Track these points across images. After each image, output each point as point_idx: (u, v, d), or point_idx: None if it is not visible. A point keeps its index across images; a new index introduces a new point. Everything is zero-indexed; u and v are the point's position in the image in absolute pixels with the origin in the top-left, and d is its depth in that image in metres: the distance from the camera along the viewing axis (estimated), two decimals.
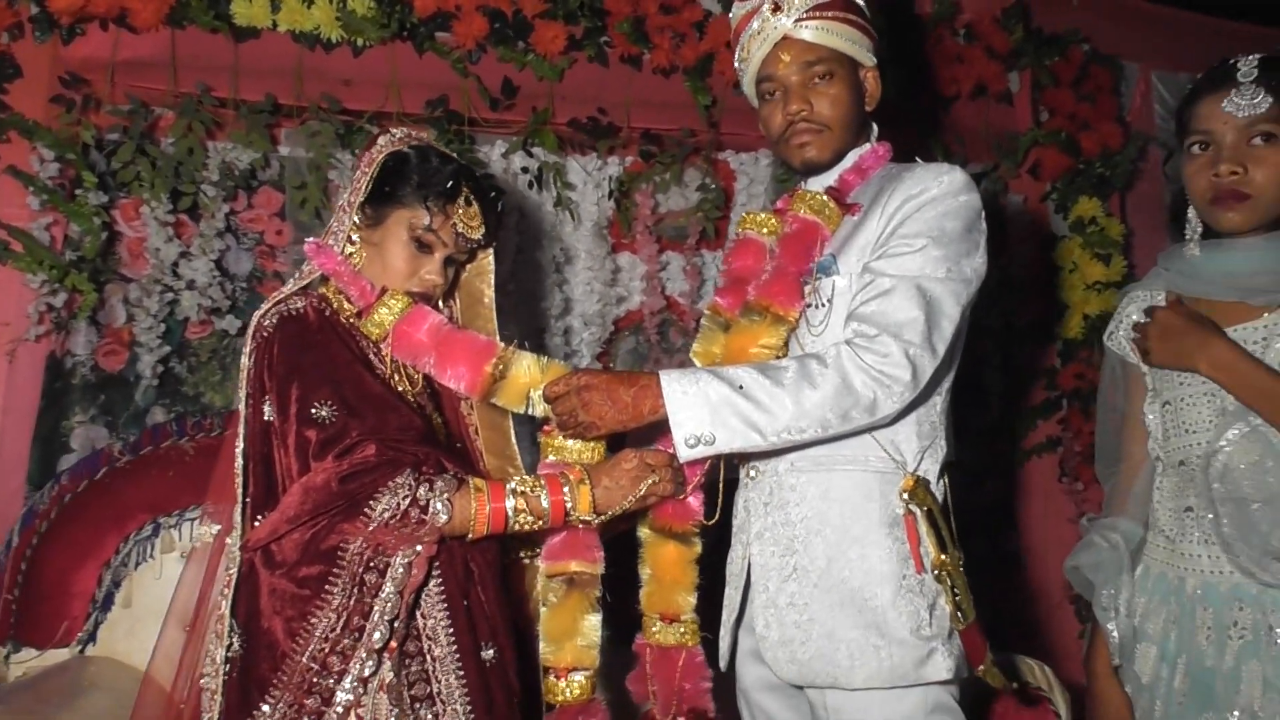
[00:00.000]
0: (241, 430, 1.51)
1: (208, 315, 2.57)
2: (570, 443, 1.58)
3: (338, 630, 1.41)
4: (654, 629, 1.67)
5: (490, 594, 1.56)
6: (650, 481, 1.54)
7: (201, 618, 1.56)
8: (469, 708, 1.49)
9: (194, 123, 2.44)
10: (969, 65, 3.08)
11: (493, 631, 1.55)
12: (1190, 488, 1.67)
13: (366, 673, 1.41)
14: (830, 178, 1.72)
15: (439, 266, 1.63)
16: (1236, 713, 1.58)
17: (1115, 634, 1.74)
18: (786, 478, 1.62)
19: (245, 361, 1.54)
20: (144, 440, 2.35)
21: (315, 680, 1.41)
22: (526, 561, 1.75)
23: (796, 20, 1.65)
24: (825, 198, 1.66)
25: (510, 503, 1.49)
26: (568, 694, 1.58)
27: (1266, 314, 1.64)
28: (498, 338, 1.71)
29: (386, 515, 1.41)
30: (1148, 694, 1.71)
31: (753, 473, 1.67)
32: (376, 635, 1.41)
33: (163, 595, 2.09)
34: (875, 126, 1.78)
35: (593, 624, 1.59)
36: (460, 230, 1.62)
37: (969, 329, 1.65)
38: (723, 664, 1.75)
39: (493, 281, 1.78)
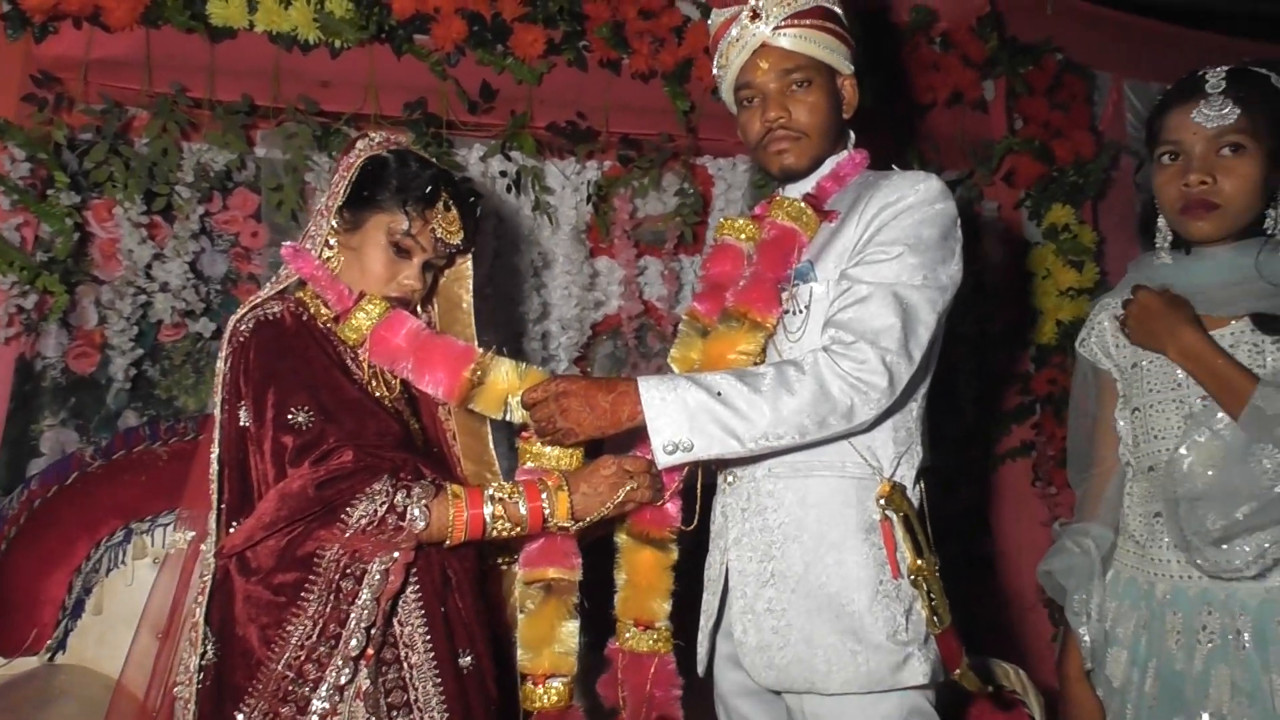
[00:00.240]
0: (217, 436, 1.50)
1: (181, 318, 2.55)
2: (548, 449, 1.59)
3: (314, 638, 1.40)
4: (628, 635, 1.67)
5: (468, 601, 1.56)
6: (628, 488, 1.54)
7: (175, 625, 1.54)
8: (446, 715, 1.48)
9: (169, 123, 2.41)
10: (945, 73, 3.10)
11: (470, 639, 1.55)
12: (1159, 493, 1.70)
13: (343, 680, 1.40)
14: (808, 185, 1.73)
15: (417, 271, 1.63)
16: (1206, 716, 1.60)
17: (1087, 638, 1.76)
18: (764, 483, 1.63)
19: (221, 366, 1.52)
20: (116, 444, 2.32)
21: (291, 688, 1.39)
22: (504, 568, 1.75)
23: (775, 28, 1.66)
24: (803, 205, 1.67)
25: (488, 509, 1.48)
26: (545, 701, 1.58)
27: (1233, 321, 1.66)
28: (476, 343, 1.70)
29: (364, 522, 1.40)
30: (1119, 698, 1.73)
31: (730, 478, 1.68)
32: (353, 643, 1.40)
33: (134, 602, 2.06)
34: (852, 134, 1.79)
35: (570, 630, 1.59)
36: (439, 235, 1.62)
37: (943, 335, 1.66)
38: (700, 669, 1.75)
39: (471, 287, 1.77)
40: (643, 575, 1.66)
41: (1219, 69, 1.66)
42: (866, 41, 1.76)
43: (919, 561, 1.55)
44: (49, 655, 2.19)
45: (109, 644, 2.15)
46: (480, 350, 1.60)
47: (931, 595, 1.55)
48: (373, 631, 1.43)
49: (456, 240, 1.64)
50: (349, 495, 1.41)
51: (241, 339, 1.51)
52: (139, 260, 2.46)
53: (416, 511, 1.43)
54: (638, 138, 2.85)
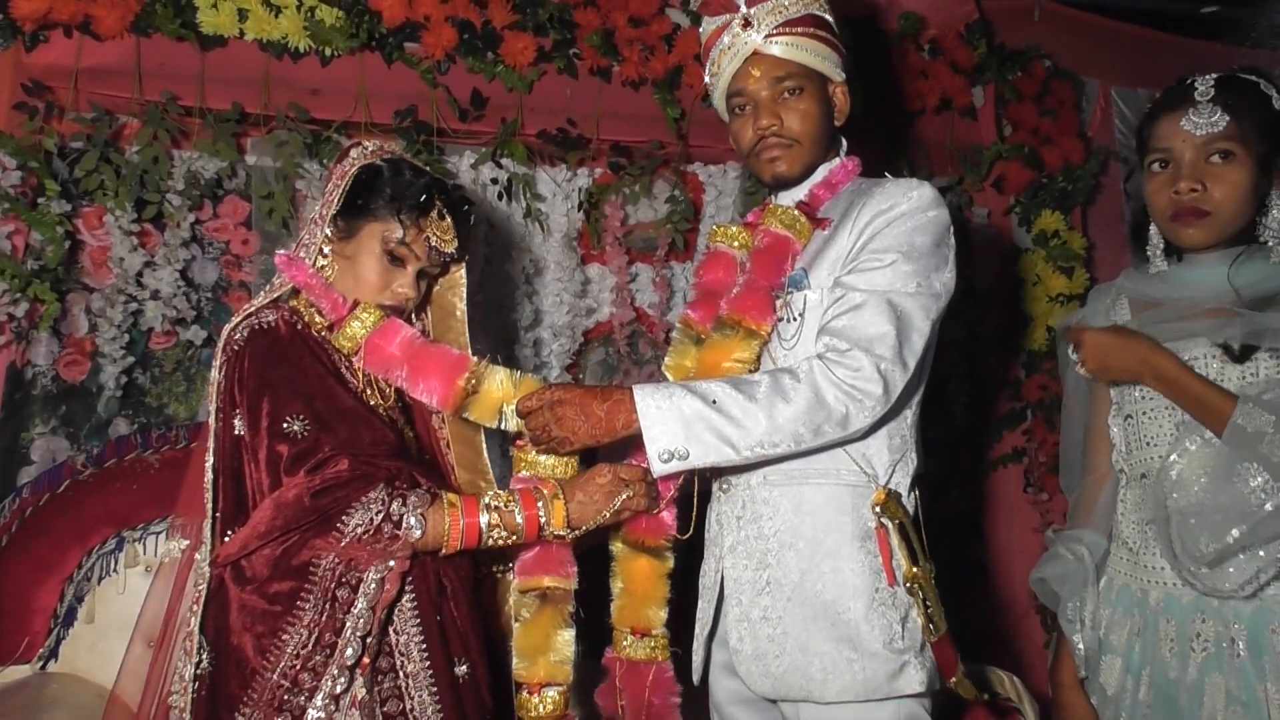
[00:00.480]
0: (211, 444, 1.50)
1: (172, 326, 2.54)
2: (543, 457, 1.59)
3: (309, 647, 1.40)
4: (625, 643, 1.67)
5: (463, 609, 1.56)
6: (624, 496, 1.55)
7: (169, 634, 1.54)
8: None
9: (159, 131, 2.41)
10: (934, 80, 3.12)
11: (466, 647, 1.54)
12: (1152, 500, 1.70)
13: (338, 689, 1.40)
14: (800, 192, 1.74)
15: (411, 280, 1.63)
16: None
17: (1081, 646, 1.77)
18: (759, 491, 1.63)
19: (215, 375, 1.52)
20: (107, 452, 2.31)
21: (286, 697, 1.39)
22: (499, 576, 1.75)
23: (766, 36, 1.67)
24: (796, 212, 1.68)
25: (484, 518, 1.48)
26: (541, 710, 1.58)
27: (1223, 332, 1.66)
28: (470, 351, 1.71)
29: (359, 530, 1.40)
30: (1113, 706, 1.73)
31: (725, 486, 1.68)
32: (349, 651, 1.40)
33: (126, 610, 2.07)
34: (844, 141, 1.80)
35: (566, 639, 1.59)
36: (433, 244, 1.62)
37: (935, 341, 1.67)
38: (695, 678, 1.76)
39: (465, 295, 1.77)
40: (639, 583, 1.66)
41: (1208, 76, 1.67)
42: (855, 49, 1.77)
43: (914, 569, 1.56)
44: (41, 664, 2.18)
45: (101, 652, 2.15)
46: (474, 359, 1.60)
47: (927, 602, 1.55)
48: (368, 640, 1.42)
49: (450, 248, 1.64)
50: (345, 504, 1.41)
51: (236, 347, 1.51)
52: (130, 268, 2.45)
53: (413, 520, 1.43)
54: (628, 145, 2.86)
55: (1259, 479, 1.53)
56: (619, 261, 2.89)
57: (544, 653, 1.58)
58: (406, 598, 1.49)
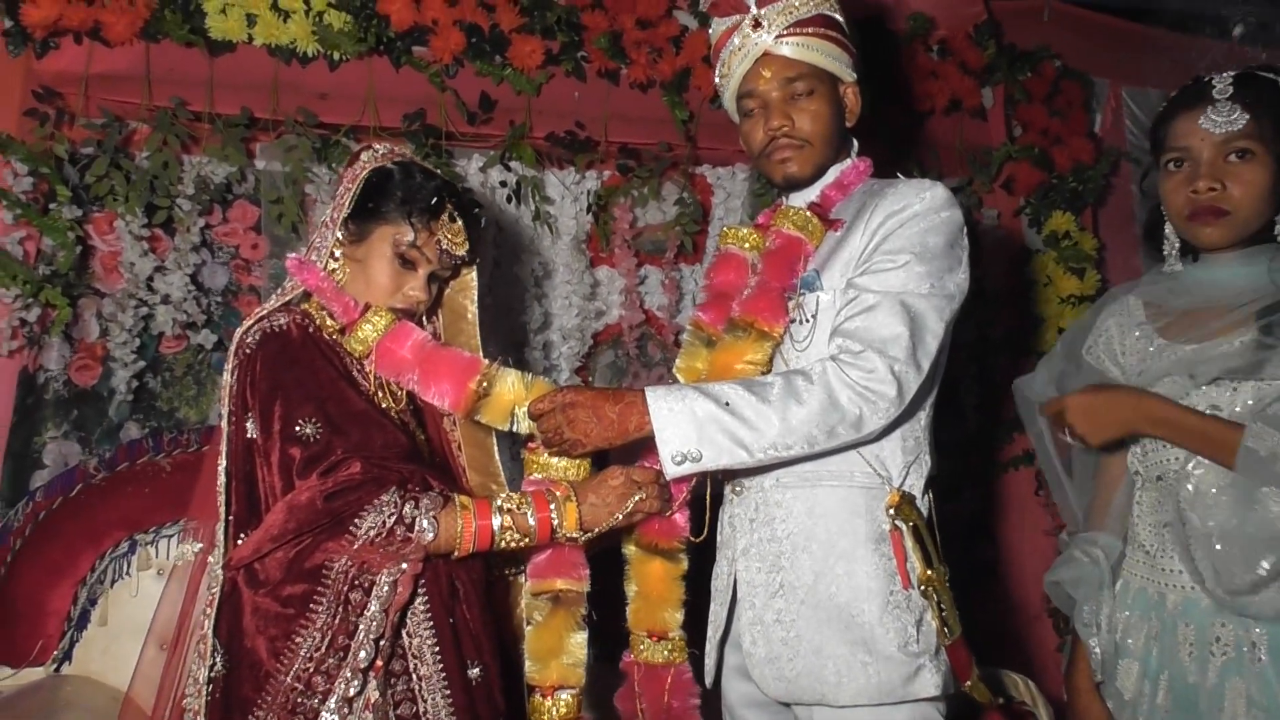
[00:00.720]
0: (224, 448, 1.50)
1: (183, 330, 2.55)
2: (555, 460, 1.58)
3: (322, 649, 1.40)
4: (641, 647, 1.66)
5: (476, 612, 1.56)
6: (637, 498, 1.54)
7: (183, 637, 1.54)
8: None
9: (169, 136, 2.42)
10: (943, 81, 3.11)
11: (478, 650, 1.54)
12: (1169, 502, 1.68)
13: (352, 692, 1.40)
14: (812, 193, 1.73)
15: (423, 283, 1.63)
16: None
17: (1097, 650, 1.74)
18: (772, 493, 1.62)
19: (228, 378, 1.52)
20: (119, 456, 2.32)
21: (300, 700, 1.39)
22: (511, 579, 1.75)
23: (777, 36, 1.66)
24: (809, 213, 1.67)
25: (497, 520, 1.48)
26: (554, 713, 1.58)
27: (1242, 333, 1.64)
28: (481, 354, 1.71)
29: (372, 533, 1.40)
30: (1130, 710, 1.70)
31: (738, 488, 1.68)
32: (362, 654, 1.40)
33: (139, 613, 2.08)
34: (855, 142, 1.79)
35: (578, 642, 1.59)
36: (444, 246, 1.62)
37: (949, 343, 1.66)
38: (708, 681, 1.75)
39: (476, 297, 1.77)
40: (653, 586, 1.66)
41: (1225, 74, 1.65)
42: (864, 50, 1.77)
43: (929, 572, 1.55)
44: (55, 666, 2.20)
45: (114, 655, 2.17)
46: (486, 361, 1.60)
47: (942, 606, 1.54)
48: (381, 643, 1.42)
49: (462, 251, 1.64)
50: (357, 507, 1.41)
51: (248, 351, 1.51)
52: (140, 273, 2.46)
53: (425, 523, 1.42)
54: (637, 147, 2.86)
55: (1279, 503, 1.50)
56: (628, 264, 2.89)
57: (556, 655, 1.58)
58: (419, 600, 1.49)
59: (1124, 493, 1.79)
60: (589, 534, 1.53)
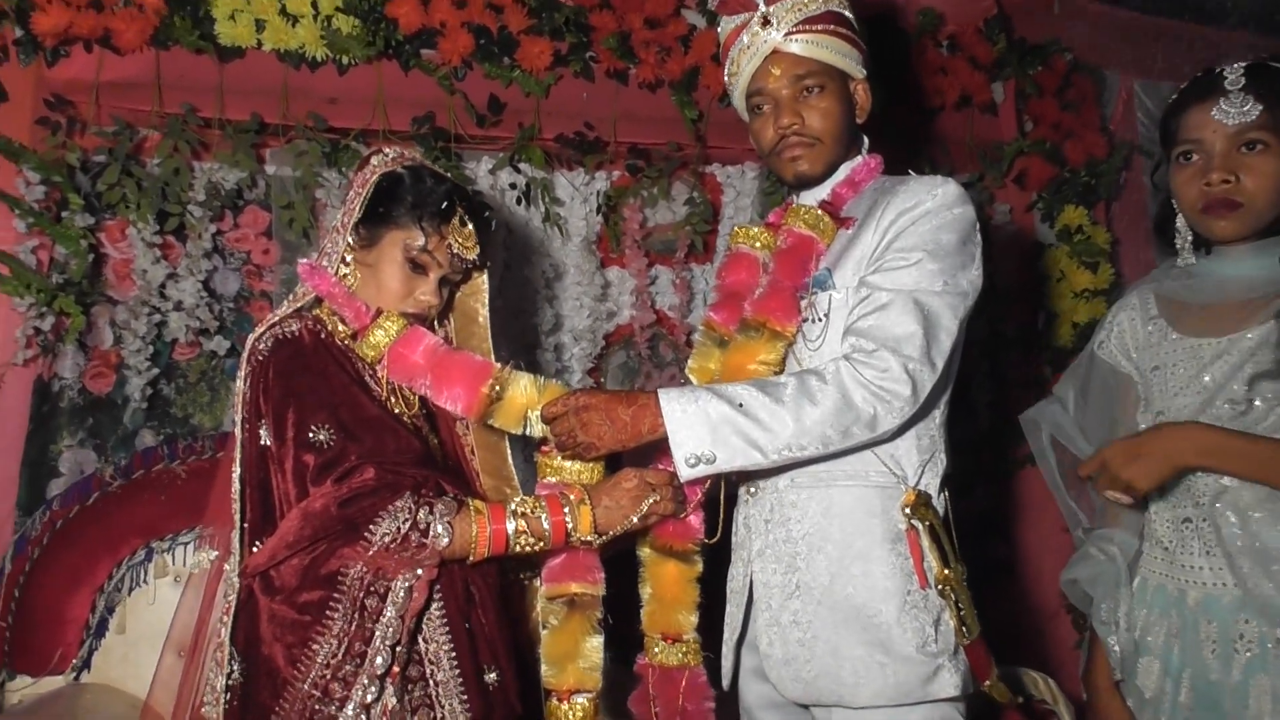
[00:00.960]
0: (238, 455, 1.50)
1: (196, 336, 2.55)
2: (568, 463, 1.58)
3: (339, 656, 1.40)
4: (656, 649, 1.66)
5: (491, 616, 1.56)
6: (651, 501, 1.54)
7: (200, 644, 1.55)
8: None
9: (180, 143, 2.43)
10: (953, 76, 3.10)
11: (494, 654, 1.54)
12: (1188, 498, 1.67)
13: (369, 699, 1.40)
14: (823, 191, 1.72)
15: (434, 287, 1.62)
16: None
17: (1116, 648, 1.73)
18: (787, 494, 1.62)
19: (240, 385, 1.52)
20: (135, 464, 2.33)
21: (317, 707, 1.39)
22: (526, 583, 1.75)
23: (786, 34, 1.65)
24: (820, 212, 1.66)
25: (511, 525, 1.48)
26: (571, 717, 1.57)
27: (1257, 327, 1.63)
28: (493, 357, 1.70)
29: (387, 539, 1.40)
30: (1151, 709, 1.69)
31: (753, 489, 1.67)
32: (378, 660, 1.40)
33: (156, 620, 2.09)
34: (866, 139, 1.78)
35: (594, 646, 1.58)
36: (455, 251, 1.62)
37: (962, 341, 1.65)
38: (725, 683, 1.74)
39: (487, 301, 1.77)
40: (668, 589, 1.65)
41: (1237, 65, 1.63)
42: (873, 46, 1.76)
43: (946, 571, 1.54)
44: (74, 674, 2.21)
45: (133, 663, 2.17)
46: (498, 365, 1.60)
47: (960, 605, 1.53)
48: (398, 649, 1.42)
49: (472, 255, 1.64)
50: (372, 513, 1.41)
51: (260, 358, 1.51)
52: (153, 280, 2.47)
53: (440, 528, 1.42)
54: (646, 147, 2.85)
55: None
56: (638, 264, 2.89)
57: (573, 660, 1.57)
58: (435, 606, 1.49)
59: None
60: (604, 537, 1.53)
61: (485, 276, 1.77)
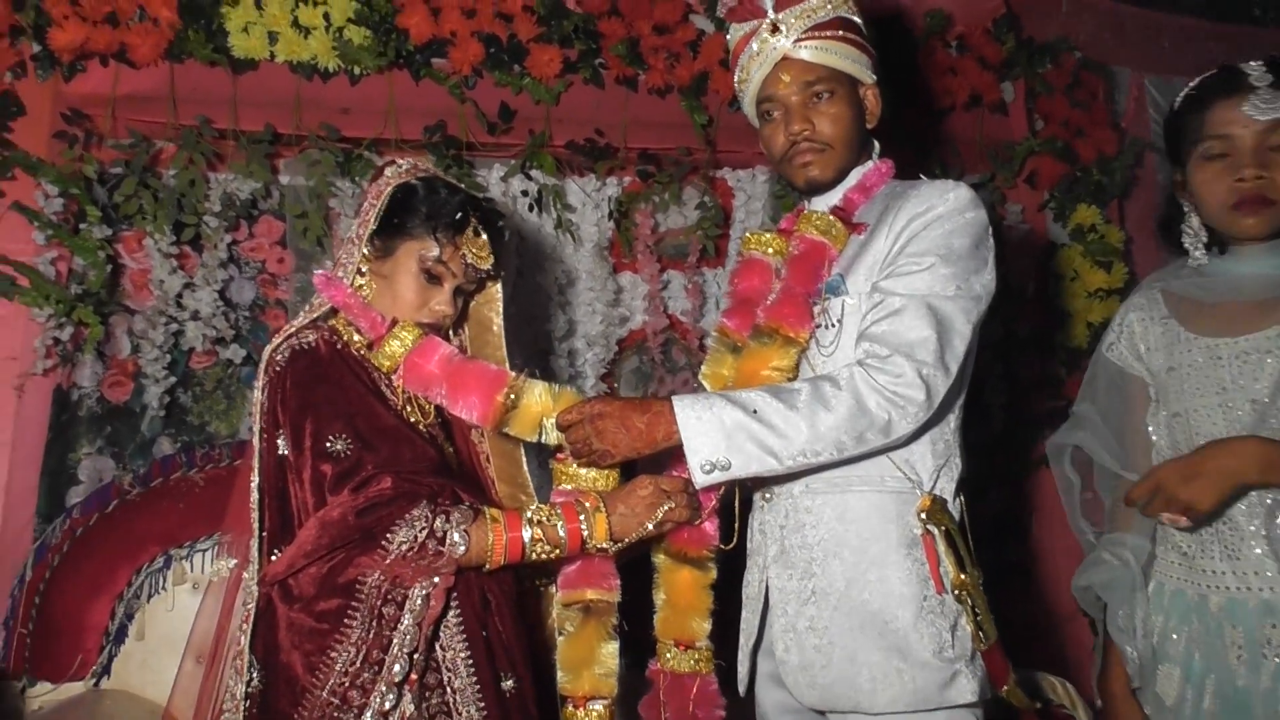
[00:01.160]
0: (256, 464, 1.51)
1: (212, 345, 2.58)
2: (584, 470, 1.58)
3: (357, 664, 1.41)
4: (668, 655, 1.66)
5: (508, 623, 1.57)
6: (666, 507, 1.54)
7: (219, 651, 1.56)
8: None
9: (195, 155, 2.45)
10: (962, 76, 3.09)
11: (511, 661, 1.55)
12: None
13: (387, 706, 1.41)
14: (834, 197, 1.72)
15: (449, 297, 1.64)
16: None
17: (1134, 656, 1.70)
18: (802, 500, 1.62)
19: (258, 395, 1.54)
20: (153, 472, 2.36)
21: (336, 715, 1.40)
22: (541, 589, 1.75)
23: (795, 40, 1.65)
24: (832, 218, 1.66)
25: (527, 532, 1.49)
26: None
27: (1275, 326, 1.62)
28: (508, 365, 1.72)
29: (404, 547, 1.41)
30: (1172, 716, 1.66)
31: (768, 495, 1.67)
32: (396, 668, 1.41)
33: (175, 627, 2.11)
34: (877, 144, 1.78)
35: (610, 652, 1.58)
36: (470, 261, 1.63)
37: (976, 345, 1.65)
38: (741, 689, 1.74)
39: (501, 309, 1.78)
40: (682, 595, 1.66)
41: (1257, 62, 1.62)
42: (881, 48, 1.76)
43: (962, 576, 1.54)
44: (94, 681, 2.23)
45: (152, 669, 2.19)
46: (512, 374, 1.61)
47: (976, 610, 1.53)
48: (415, 657, 1.43)
49: (487, 265, 1.65)
50: (389, 522, 1.42)
51: (278, 368, 1.52)
52: (170, 289, 2.49)
53: (456, 536, 1.43)
54: (656, 152, 2.86)
55: None
56: (650, 269, 2.90)
57: (588, 666, 1.58)
58: (452, 613, 1.50)
59: None
60: (619, 544, 1.54)
61: (499, 285, 1.78)
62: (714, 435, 1.46)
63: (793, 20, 1.66)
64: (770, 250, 1.78)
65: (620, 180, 2.85)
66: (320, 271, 1.64)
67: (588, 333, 2.83)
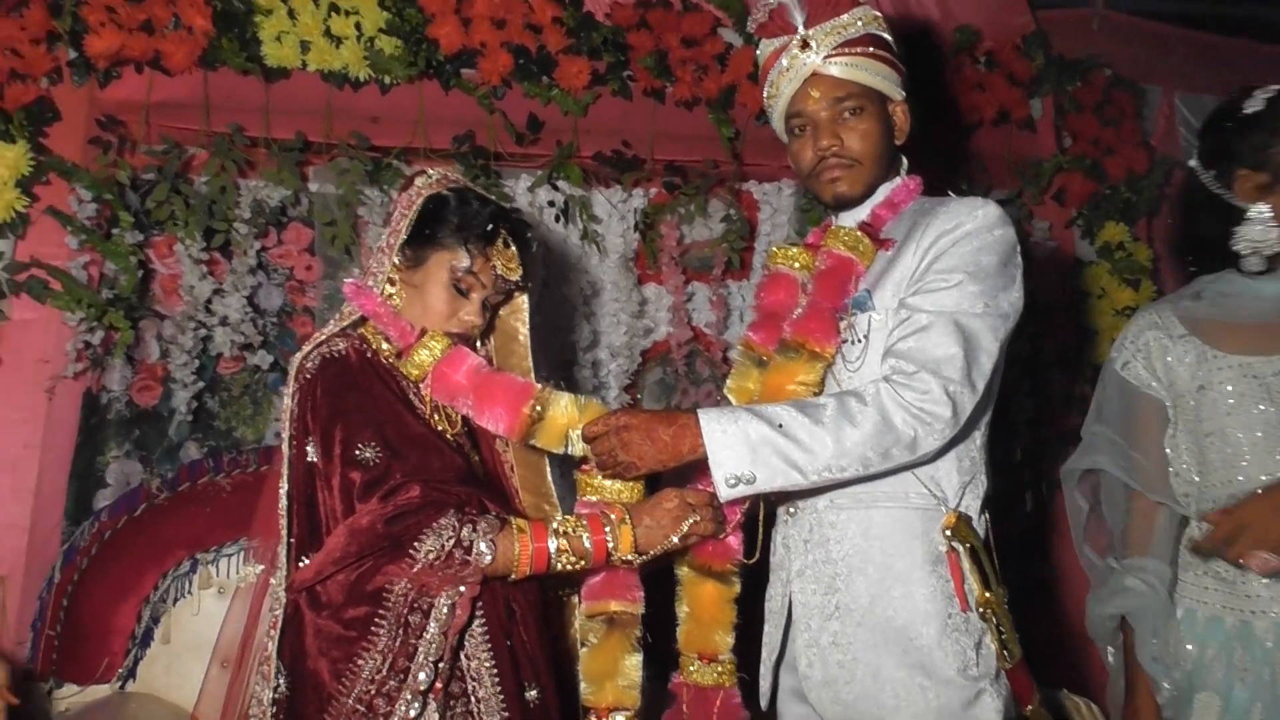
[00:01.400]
0: (285, 471, 1.53)
1: (240, 351, 2.60)
2: (609, 482, 1.59)
3: (383, 672, 1.41)
4: (691, 668, 1.66)
5: (532, 634, 1.57)
6: (691, 521, 1.54)
7: (245, 657, 1.57)
8: None
9: (226, 162, 2.48)
10: (990, 92, 3.09)
11: (536, 672, 1.55)
12: None
13: (412, 714, 1.41)
14: (862, 212, 1.72)
15: (478, 308, 1.64)
16: None
17: (1169, 687, 1.65)
18: (826, 515, 1.62)
19: (288, 403, 1.55)
20: (181, 477, 2.38)
21: None
22: (564, 599, 1.76)
23: (825, 56, 1.65)
24: (859, 233, 1.66)
25: (553, 543, 1.49)
26: None
27: None
28: (533, 375, 1.72)
29: (431, 556, 1.42)
30: None
31: (792, 510, 1.67)
32: (421, 676, 1.41)
33: (201, 631, 2.13)
34: (905, 160, 1.78)
35: (633, 664, 1.59)
36: (500, 272, 1.64)
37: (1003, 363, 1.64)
38: (763, 703, 1.74)
39: (527, 319, 1.79)
40: (705, 608, 1.66)
41: None
42: (910, 63, 1.76)
43: (987, 594, 1.53)
44: (120, 683, 2.25)
45: (177, 672, 2.21)
46: (538, 386, 1.61)
47: (1001, 628, 1.53)
48: (440, 665, 1.44)
49: (516, 276, 1.66)
50: (416, 530, 1.43)
51: (308, 376, 1.53)
52: (199, 295, 2.52)
53: (483, 546, 1.44)
54: (683, 165, 2.88)
55: None
56: (675, 281, 2.91)
57: (611, 678, 1.58)
58: (477, 623, 1.50)
59: (1165, 514, 1.72)
60: (644, 556, 1.54)
61: (525, 296, 1.78)
62: (739, 449, 1.46)
63: (823, 36, 1.66)
64: (797, 265, 1.77)
65: (646, 192, 2.87)
66: (350, 280, 1.65)
67: (612, 344, 2.84)
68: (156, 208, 2.44)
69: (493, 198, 1.71)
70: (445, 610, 1.43)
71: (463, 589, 1.44)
